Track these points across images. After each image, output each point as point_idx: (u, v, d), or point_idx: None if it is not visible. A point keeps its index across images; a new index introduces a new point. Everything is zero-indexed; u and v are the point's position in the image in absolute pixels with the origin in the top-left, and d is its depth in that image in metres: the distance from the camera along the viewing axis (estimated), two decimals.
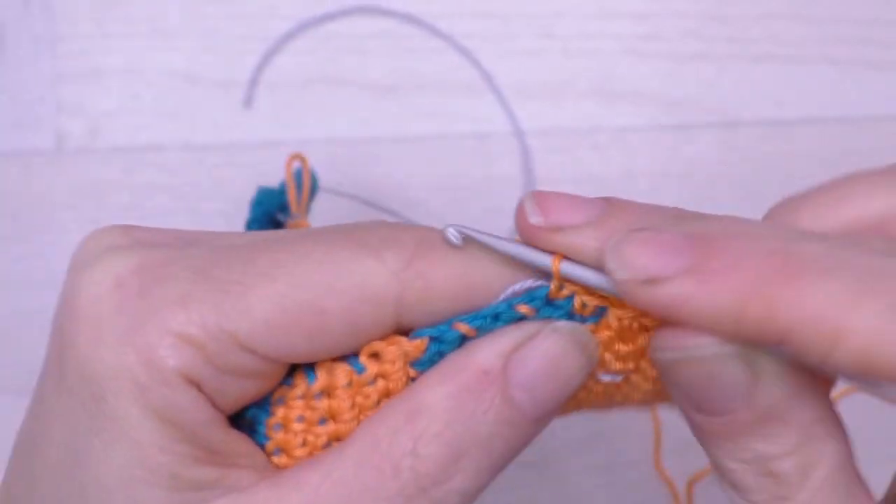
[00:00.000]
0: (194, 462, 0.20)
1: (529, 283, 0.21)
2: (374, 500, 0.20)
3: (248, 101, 0.34)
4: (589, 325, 0.22)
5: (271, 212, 0.32)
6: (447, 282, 0.21)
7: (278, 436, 0.21)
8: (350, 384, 0.21)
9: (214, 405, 0.20)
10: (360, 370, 0.21)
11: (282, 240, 0.21)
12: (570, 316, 0.22)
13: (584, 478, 0.42)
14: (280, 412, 0.21)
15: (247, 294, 0.20)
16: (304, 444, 0.21)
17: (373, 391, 0.21)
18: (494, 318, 0.21)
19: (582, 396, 0.23)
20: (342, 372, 0.21)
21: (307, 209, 0.31)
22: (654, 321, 0.22)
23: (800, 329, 0.17)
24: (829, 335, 0.17)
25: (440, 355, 0.21)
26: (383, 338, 0.21)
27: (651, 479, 0.42)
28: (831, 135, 0.43)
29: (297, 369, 0.22)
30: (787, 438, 0.19)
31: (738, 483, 0.20)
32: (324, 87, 0.42)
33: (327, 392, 0.21)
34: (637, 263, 0.19)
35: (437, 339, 0.21)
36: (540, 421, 0.21)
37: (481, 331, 0.21)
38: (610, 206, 0.21)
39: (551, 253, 0.21)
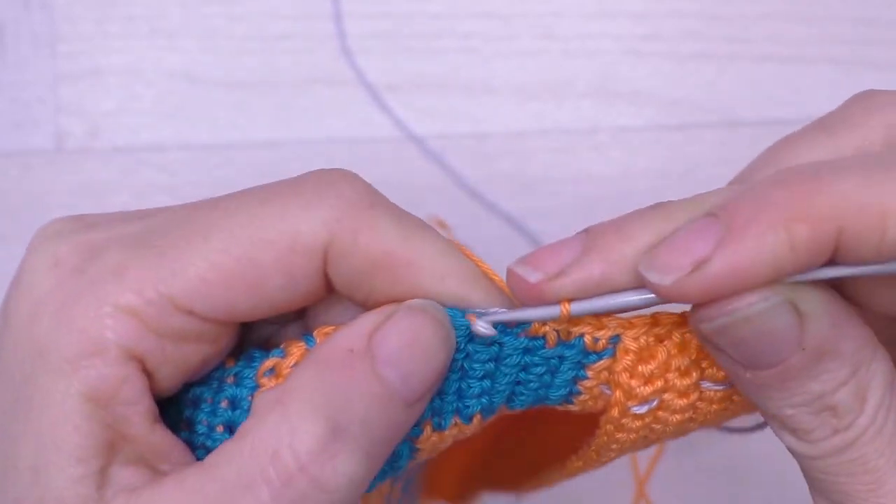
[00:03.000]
0: (108, 448, 0.20)
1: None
2: (251, 489, 0.19)
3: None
4: (606, 360, 0.22)
5: None
6: (373, 244, 0.21)
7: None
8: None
9: (156, 383, 0.20)
10: None
11: (218, 200, 0.21)
12: (583, 354, 0.22)
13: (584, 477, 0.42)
14: (270, 382, 0.21)
15: (181, 255, 0.20)
16: None
17: None
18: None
19: (623, 439, 0.23)
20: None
21: None
22: (669, 325, 0.22)
23: (848, 227, 0.18)
24: (877, 221, 0.18)
25: None
26: (317, 297, 0.21)
27: (651, 478, 0.42)
28: None
29: (289, 341, 0.22)
30: (840, 370, 0.20)
31: (797, 426, 0.21)
32: (323, 87, 0.42)
33: None
34: (678, 263, 0.19)
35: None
36: (413, 403, 0.21)
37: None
38: (588, 233, 0.21)
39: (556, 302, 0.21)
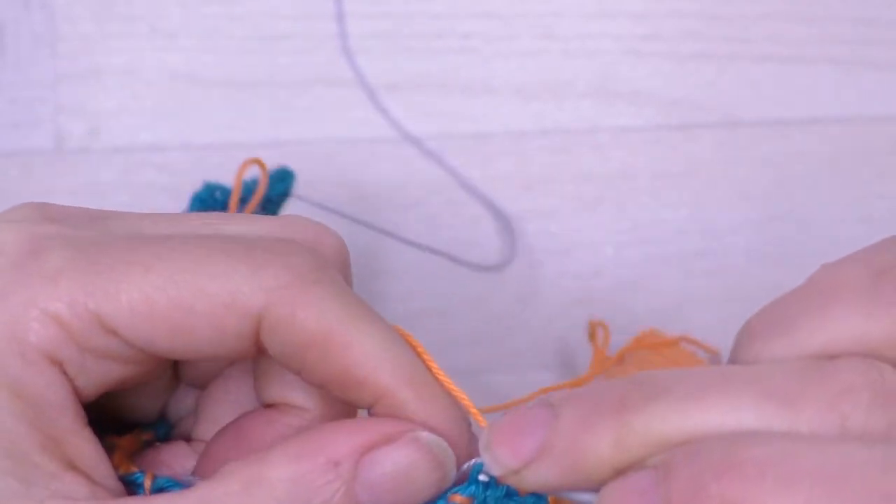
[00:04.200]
0: (38, 447, 0.20)
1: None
2: None
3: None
4: None
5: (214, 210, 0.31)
6: (310, 321, 0.20)
7: None
8: None
9: (76, 389, 0.20)
10: None
11: (173, 237, 0.21)
12: None
13: None
14: None
15: (118, 279, 0.20)
16: None
17: None
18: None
19: None
20: None
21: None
22: None
23: None
24: None
25: None
26: (247, 355, 0.21)
27: None
28: (831, 135, 0.43)
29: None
30: None
31: None
32: (323, 86, 0.42)
33: None
34: None
35: None
36: None
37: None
38: (552, 411, 0.19)
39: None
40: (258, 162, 0.31)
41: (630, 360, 0.37)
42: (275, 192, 0.33)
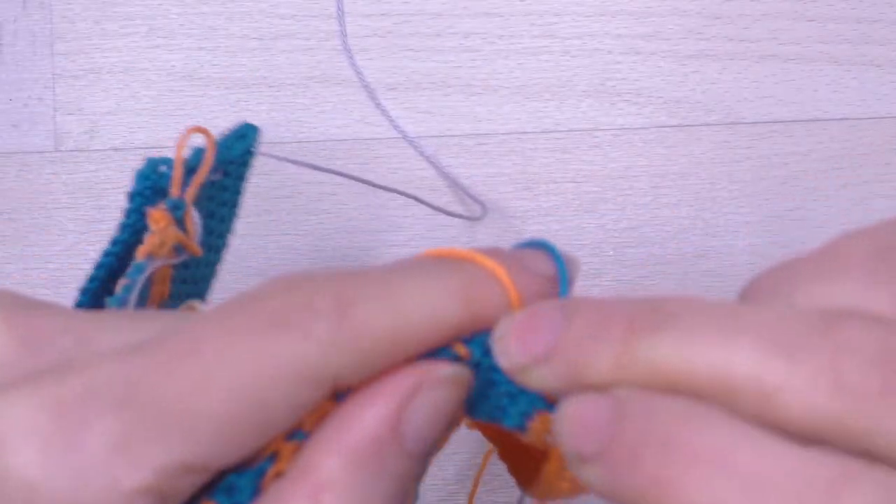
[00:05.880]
0: None
1: None
2: None
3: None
4: (552, 414, 0.21)
5: (162, 187, 0.28)
6: (380, 339, 0.20)
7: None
8: None
9: None
10: None
11: (198, 338, 0.19)
12: (537, 396, 0.21)
13: None
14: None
15: (186, 419, 0.18)
16: None
17: None
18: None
19: (566, 487, 0.22)
20: None
21: (195, 196, 0.28)
22: None
23: None
24: None
25: None
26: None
27: None
28: (832, 135, 0.43)
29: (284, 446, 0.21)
30: None
31: None
32: (323, 86, 0.42)
33: None
34: (573, 443, 0.19)
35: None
36: (431, 454, 0.21)
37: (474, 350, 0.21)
38: (565, 315, 0.20)
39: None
40: (201, 130, 0.28)
41: None
42: (235, 152, 0.30)
